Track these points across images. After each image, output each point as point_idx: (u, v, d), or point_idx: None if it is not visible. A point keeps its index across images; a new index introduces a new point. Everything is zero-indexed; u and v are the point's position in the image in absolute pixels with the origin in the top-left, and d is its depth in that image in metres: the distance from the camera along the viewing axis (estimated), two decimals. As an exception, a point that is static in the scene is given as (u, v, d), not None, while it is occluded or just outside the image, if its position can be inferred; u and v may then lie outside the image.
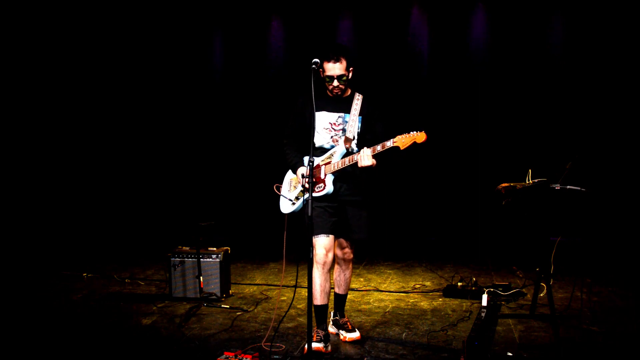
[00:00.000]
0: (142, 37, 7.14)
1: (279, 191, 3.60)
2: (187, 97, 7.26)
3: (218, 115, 7.25)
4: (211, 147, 7.23)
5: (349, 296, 3.93)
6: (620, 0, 5.96)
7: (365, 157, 3.21)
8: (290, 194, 3.55)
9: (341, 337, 3.57)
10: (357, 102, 3.45)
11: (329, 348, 3.41)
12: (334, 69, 3.32)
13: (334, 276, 3.63)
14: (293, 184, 3.57)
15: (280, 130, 3.71)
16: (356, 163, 3.26)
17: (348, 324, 3.62)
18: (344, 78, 3.36)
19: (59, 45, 6.91)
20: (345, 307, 3.79)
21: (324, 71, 3.35)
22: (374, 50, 6.73)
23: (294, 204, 3.48)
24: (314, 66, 3.17)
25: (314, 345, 3.39)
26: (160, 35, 7.14)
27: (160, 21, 7.11)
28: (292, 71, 6.88)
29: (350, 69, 3.40)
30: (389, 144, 3.20)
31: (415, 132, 3.19)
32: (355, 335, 3.56)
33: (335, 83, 3.34)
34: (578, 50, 6.18)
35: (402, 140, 3.18)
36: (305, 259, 2.95)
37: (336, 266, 3.60)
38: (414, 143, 3.17)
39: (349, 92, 3.50)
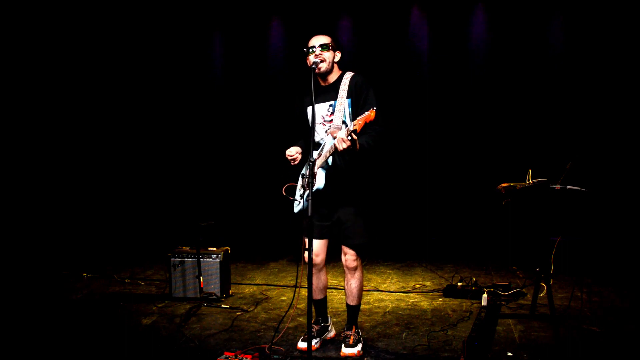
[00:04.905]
0: (142, 38, 7.14)
1: (286, 192, 3.46)
2: (187, 98, 7.26)
3: (218, 115, 7.25)
4: (211, 147, 7.23)
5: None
6: (621, 0, 5.96)
7: (341, 141, 2.98)
8: (297, 194, 3.46)
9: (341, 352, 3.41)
10: (346, 82, 3.27)
11: (318, 344, 3.48)
12: (317, 39, 3.25)
13: (345, 286, 3.49)
14: (300, 182, 3.47)
15: (279, 130, 3.71)
16: (337, 153, 3.06)
17: (351, 337, 3.40)
18: (326, 45, 3.22)
19: (59, 45, 6.91)
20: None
21: (308, 52, 3.25)
22: (374, 50, 6.73)
23: (299, 203, 3.38)
24: (313, 66, 3.18)
25: (299, 344, 3.48)
26: (160, 35, 7.14)
27: (160, 21, 7.11)
28: (292, 71, 6.88)
29: (337, 51, 3.29)
30: (350, 127, 2.97)
31: (367, 111, 2.97)
32: (352, 350, 3.34)
33: (318, 51, 3.21)
34: (578, 50, 6.18)
35: (359, 122, 2.95)
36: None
37: (345, 276, 3.46)
38: (366, 123, 2.94)
39: (338, 74, 3.34)
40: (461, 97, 6.58)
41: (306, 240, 3.12)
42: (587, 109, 6.10)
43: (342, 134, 3.00)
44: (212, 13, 7.14)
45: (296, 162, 3.40)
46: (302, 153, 3.43)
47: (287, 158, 3.39)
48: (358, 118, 2.93)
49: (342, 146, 2.99)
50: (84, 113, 7.15)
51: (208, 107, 7.27)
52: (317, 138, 3.35)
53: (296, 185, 3.51)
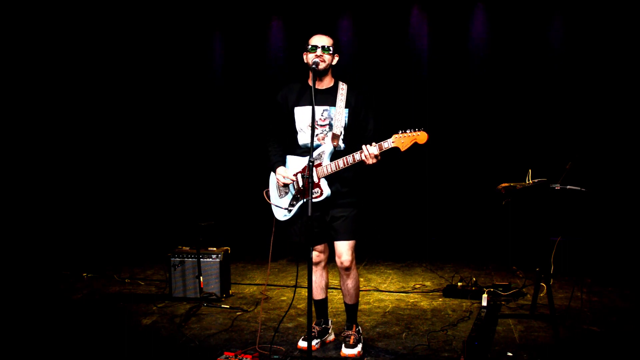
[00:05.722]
0: (142, 38, 7.13)
1: (269, 198, 3.45)
2: (187, 98, 7.26)
3: (218, 115, 7.25)
4: (211, 147, 7.23)
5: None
6: (621, 0, 5.96)
7: (373, 157, 3.03)
8: (282, 201, 3.40)
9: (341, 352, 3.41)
10: (342, 92, 3.28)
11: (318, 345, 3.48)
12: (320, 39, 3.25)
13: (341, 286, 3.49)
14: (282, 188, 3.42)
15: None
16: (354, 165, 3.10)
17: (351, 337, 3.39)
18: (328, 48, 3.22)
19: (59, 45, 6.90)
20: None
21: (308, 50, 3.25)
22: (374, 50, 6.73)
23: (290, 211, 3.36)
24: (313, 66, 3.17)
25: (299, 343, 3.49)
26: (160, 35, 7.14)
27: (160, 22, 7.11)
28: (292, 71, 6.87)
29: (336, 54, 3.30)
30: (387, 145, 3.02)
31: (413, 131, 2.97)
32: (352, 351, 3.34)
33: (319, 52, 3.20)
34: (578, 50, 6.18)
35: (401, 141, 2.97)
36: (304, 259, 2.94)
37: (340, 277, 3.46)
38: (415, 144, 2.98)
39: (332, 81, 3.34)
40: (461, 97, 6.57)
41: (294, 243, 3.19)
42: (587, 109, 6.10)
43: (374, 150, 3.04)
44: (212, 13, 7.14)
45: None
46: (281, 154, 3.42)
47: (278, 176, 3.34)
48: (399, 137, 2.97)
49: (371, 161, 3.06)
50: (84, 113, 7.15)
51: (208, 107, 7.27)
52: (304, 141, 3.32)
53: (275, 190, 3.45)
